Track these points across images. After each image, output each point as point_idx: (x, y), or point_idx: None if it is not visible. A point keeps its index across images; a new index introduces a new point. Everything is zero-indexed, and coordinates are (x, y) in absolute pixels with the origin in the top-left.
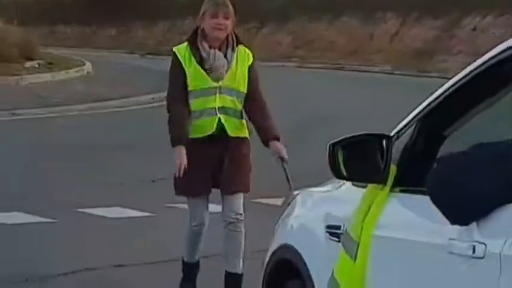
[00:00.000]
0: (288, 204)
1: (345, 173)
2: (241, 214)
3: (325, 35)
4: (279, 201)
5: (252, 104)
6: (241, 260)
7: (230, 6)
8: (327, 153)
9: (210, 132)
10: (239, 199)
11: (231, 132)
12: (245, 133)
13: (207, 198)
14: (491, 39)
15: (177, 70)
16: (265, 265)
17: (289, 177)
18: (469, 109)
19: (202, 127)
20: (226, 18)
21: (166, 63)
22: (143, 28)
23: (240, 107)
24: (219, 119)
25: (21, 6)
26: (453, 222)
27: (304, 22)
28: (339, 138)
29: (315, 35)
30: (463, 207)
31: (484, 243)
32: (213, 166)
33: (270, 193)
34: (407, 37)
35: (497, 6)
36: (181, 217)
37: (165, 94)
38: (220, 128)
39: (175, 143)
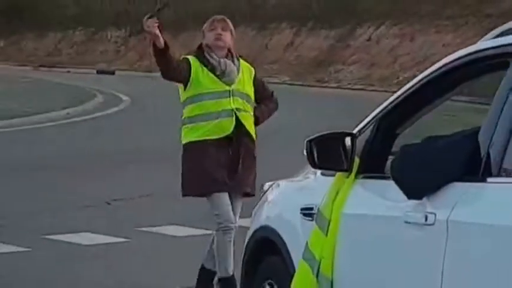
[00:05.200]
0: (264, 193)
1: (319, 164)
2: (236, 223)
3: None
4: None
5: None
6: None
7: (228, 22)
8: (305, 148)
9: (228, 133)
10: (240, 207)
11: (248, 127)
12: (254, 135)
13: (229, 195)
14: (386, 49)
15: (185, 61)
16: (245, 244)
17: None
18: (417, 112)
19: (221, 128)
20: (224, 30)
21: (63, 76)
22: (33, 39)
23: (251, 109)
24: (237, 118)
25: None
26: (410, 197)
27: (198, 33)
28: (314, 136)
29: None
30: (419, 185)
31: (434, 213)
32: (229, 165)
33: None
34: (302, 47)
35: (392, 17)
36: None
37: (81, 107)
38: (238, 127)
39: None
